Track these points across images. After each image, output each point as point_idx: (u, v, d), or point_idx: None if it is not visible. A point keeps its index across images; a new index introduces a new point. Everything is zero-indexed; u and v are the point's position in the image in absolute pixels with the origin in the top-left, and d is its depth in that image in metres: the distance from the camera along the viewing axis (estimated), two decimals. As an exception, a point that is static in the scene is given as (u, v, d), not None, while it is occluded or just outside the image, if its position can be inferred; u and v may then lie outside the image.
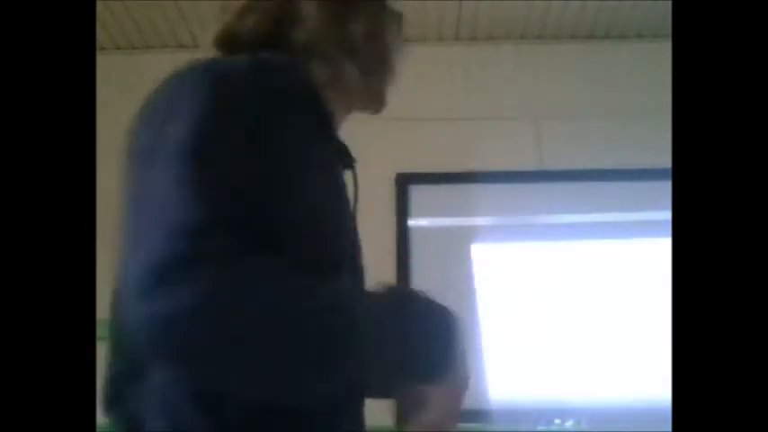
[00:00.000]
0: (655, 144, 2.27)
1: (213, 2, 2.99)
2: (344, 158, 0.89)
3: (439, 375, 0.66)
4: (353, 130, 3.04)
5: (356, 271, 0.84)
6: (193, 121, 0.62)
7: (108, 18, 2.70)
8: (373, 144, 2.69)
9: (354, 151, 2.91)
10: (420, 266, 2.37)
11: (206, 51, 3.12)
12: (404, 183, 2.50)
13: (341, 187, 0.80)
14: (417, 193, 2.52)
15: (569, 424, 2.23)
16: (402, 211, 2.46)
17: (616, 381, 2.28)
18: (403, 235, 2.42)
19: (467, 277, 2.33)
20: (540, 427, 2.24)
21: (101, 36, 2.82)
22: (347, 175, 0.86)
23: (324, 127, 0.76)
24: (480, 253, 2.40)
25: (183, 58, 2.88)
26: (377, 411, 2.40)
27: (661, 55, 2.69)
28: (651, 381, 2.20)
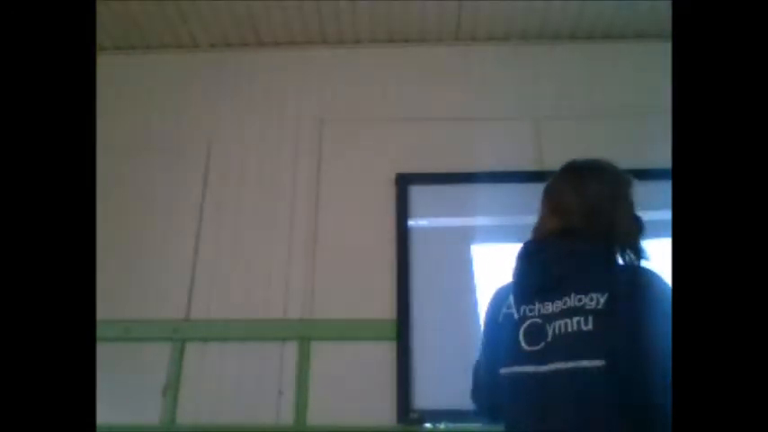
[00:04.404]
0: (655, 144, 2.27)
1: (213, 2, 2.99)
2: None
3: None
4: (354, 130, 3.05)
5: None
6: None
7: (108, 18, 2.70)
8: (373, 144, 2.69)
9: (355, 151, 2.92)
10: (420, 266, 2.37)
11: (205, 51, 3.11)
12: (404, 183, 2.51)
13: None
14: (417, 193, 2.52)
15: None
16: (402, 211, 2.46)
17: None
18: (403, 235, 2.42)
19: (467, 277, 2.33)
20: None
21: (101, 36, 2.82)
22: None
23: None
24: (480, 253, 2.40)
25: (183, 58, 2.90)
26: (378, 411, 2.38)
27: (661, 55, 2.69)
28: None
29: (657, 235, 2.36)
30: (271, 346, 2.29)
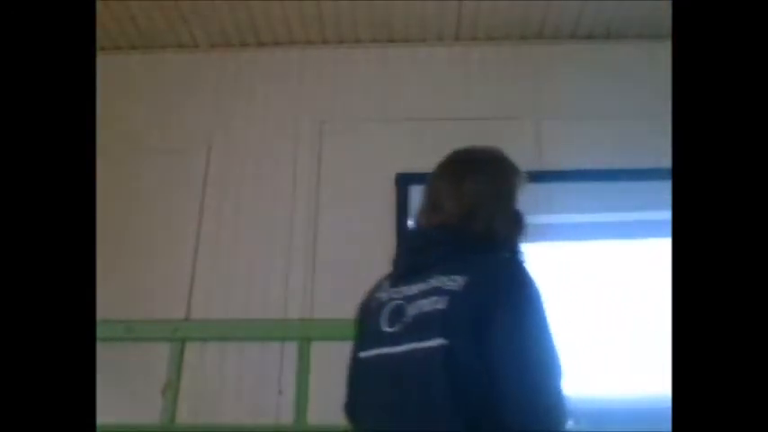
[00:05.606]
0: (655, 144, 2.27)
1: (213, 2, 2.99)
2: None
3: None
4: (354, 130, 3.04)
5: None
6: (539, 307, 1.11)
7: (108, 18, 2.70)
8: (373, 144, 2.69)
9: (355, 151, 2.91)
10: (420, 266, 2.37)
11: (205, 51, 3.10)
12: (404, 183, 2.50)
13: None
14: (417, 193, 2.51)
15: (569, 424, 2.23)
16: (402, 211, 2.46)
17: (616, 380, 2.28)
18: (403, 235, 2.42)
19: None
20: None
21: (101, 36, 2.82)
22: None
23: None
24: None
25: (183, 58, 2.89)
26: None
27: (661, 55, 2.69)
28: (651, 380, 2.20)
29: (657, 234, 2.38)
30: (271, 346, 2.29)
